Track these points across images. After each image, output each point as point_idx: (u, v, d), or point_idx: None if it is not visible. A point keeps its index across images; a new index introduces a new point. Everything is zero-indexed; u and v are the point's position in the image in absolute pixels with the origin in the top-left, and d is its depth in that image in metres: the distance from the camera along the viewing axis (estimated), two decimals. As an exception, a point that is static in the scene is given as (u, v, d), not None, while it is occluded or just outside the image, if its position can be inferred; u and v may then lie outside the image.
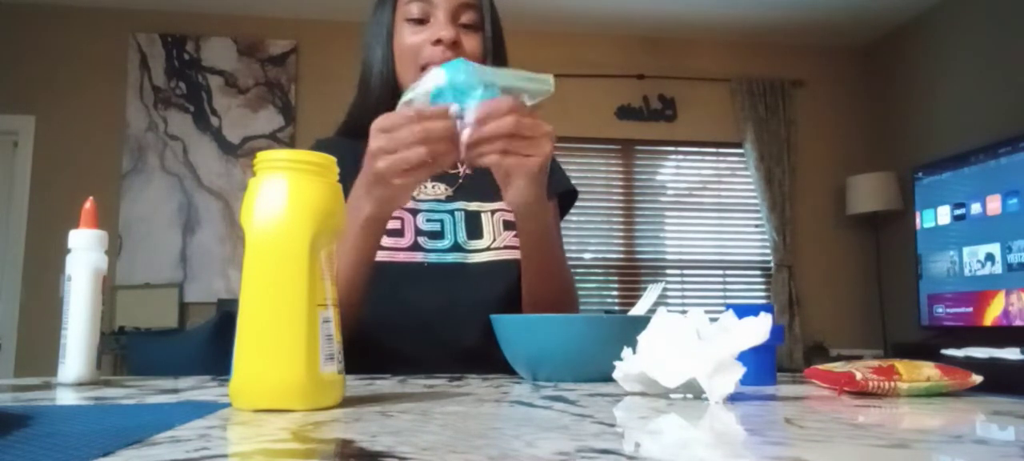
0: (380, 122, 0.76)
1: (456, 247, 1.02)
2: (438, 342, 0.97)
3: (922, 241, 3.90)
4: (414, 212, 1.03)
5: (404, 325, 0.97)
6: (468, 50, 1.01)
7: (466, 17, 1.02)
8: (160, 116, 4.07)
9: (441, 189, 1.07)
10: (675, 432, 0.44)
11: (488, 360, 0.89)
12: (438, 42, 0.99)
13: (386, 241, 0.96)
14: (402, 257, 0.99)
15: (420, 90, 0.76)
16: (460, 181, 1.08)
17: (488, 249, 1.02)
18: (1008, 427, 0.47)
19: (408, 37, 1.01)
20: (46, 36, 4.04)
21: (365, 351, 0.93)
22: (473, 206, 1.05)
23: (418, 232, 1.01)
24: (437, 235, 1.02)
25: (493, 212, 1.05)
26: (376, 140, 0.76)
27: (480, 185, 1.07)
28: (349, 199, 0.86)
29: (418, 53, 1.00)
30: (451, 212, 1.04)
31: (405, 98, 0.78)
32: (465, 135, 0.75)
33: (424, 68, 1.00)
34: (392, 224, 0.97)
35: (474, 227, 1.04)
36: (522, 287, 0.97)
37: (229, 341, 0.52)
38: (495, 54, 1.05)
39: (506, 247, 1.02)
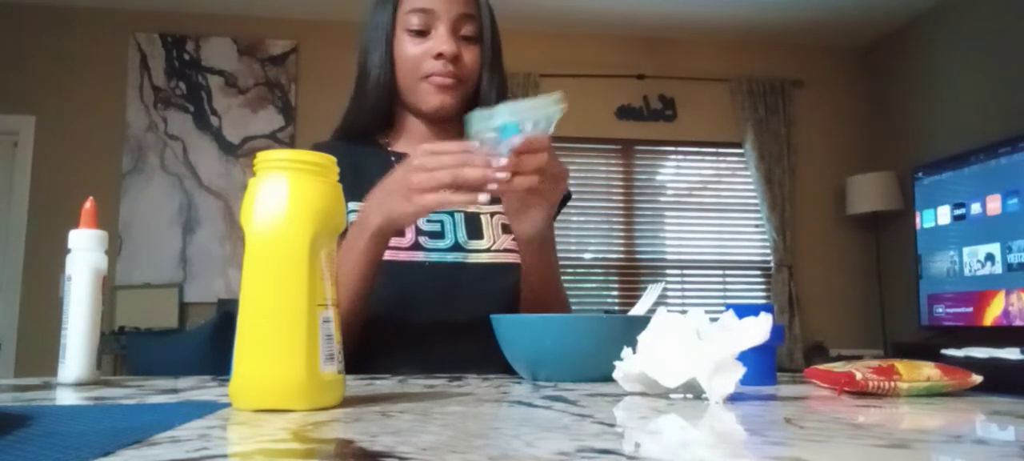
0: (430, 146, 0.79)
1: (457, 247, 1.02)
2: (438, 341, 0.98)
3: (922, 241, 3.90)
4: (414, 213, 1.04)
5: (405, 324, 0.98)
6: (467, 62, 1.02)
7: (466, 29, 1.03)
8: (160, 116, 4.07)
9: None
10: (675, 432, 0.44)
11: (488, 359, 0.90)
12: (440, 56, 0.99)
13: (388, 241, 0.96)
14: (404, 256, 0.99)
15: (491, 124, 0.77)
16: None
17: (488, 251, 1.04)
18: (1008, 427, 0.47)
19: (409, 48, 1.01)
20: (46, 36, 4.04)
21: (366, 350, 0.94)
22: (471, 207, 1.05)
23: (419, 232, 1.02)
24: (437, 235, 1.02)
25: (492, 214, 1.06)
26: (421, 157, 0.78)
27: None
28: (361, 212, 0.87)
29: (419, 65, 1.01)
30: (450, 213, 1.05)
31: (475, 125, 0.78)
32: (502, 161, 0.77)
33: (425, 79, 1.01)
34: None
35: (474, 227, 1.05)
36: (521, 295, 0.99)
37: (229, 341, 0.52)
38: (493, 65, 1.06)
39: (505, 249, 1.04)
